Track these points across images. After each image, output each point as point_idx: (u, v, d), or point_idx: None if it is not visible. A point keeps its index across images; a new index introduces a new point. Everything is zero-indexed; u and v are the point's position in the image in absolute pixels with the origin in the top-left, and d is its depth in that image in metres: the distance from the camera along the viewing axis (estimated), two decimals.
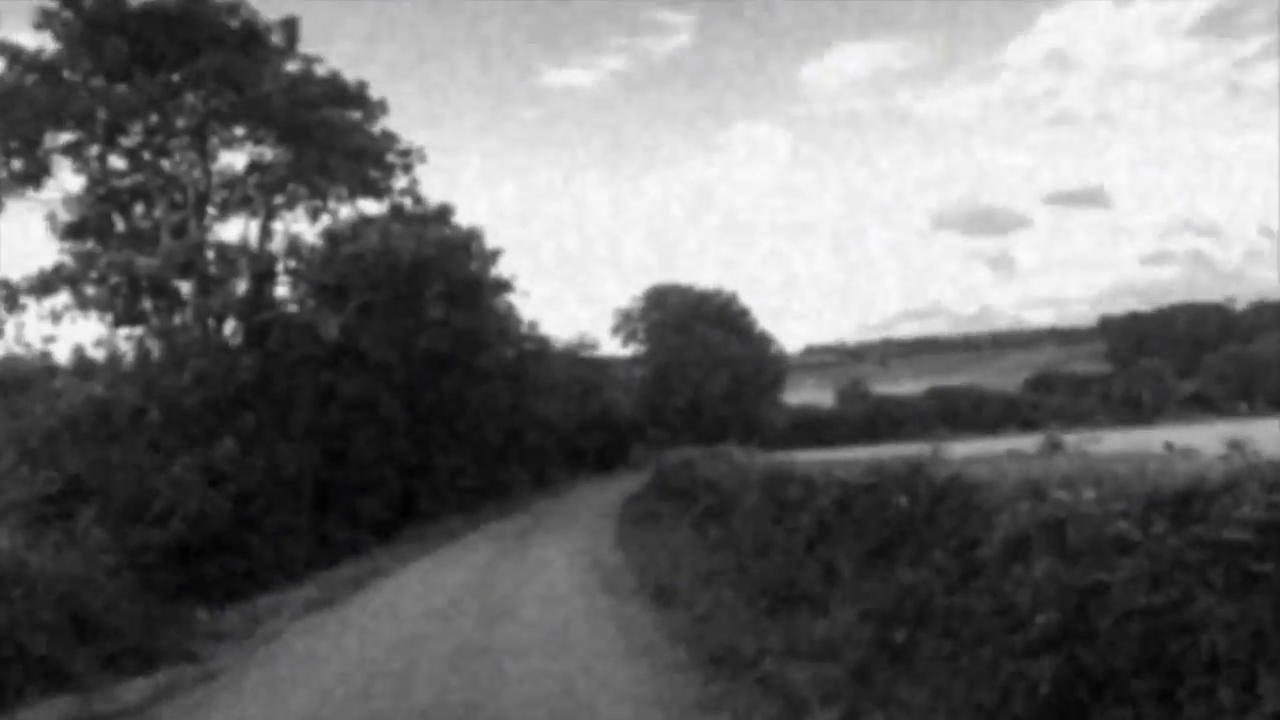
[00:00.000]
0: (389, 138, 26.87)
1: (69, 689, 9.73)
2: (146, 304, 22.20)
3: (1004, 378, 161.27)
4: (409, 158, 27.28)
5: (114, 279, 21.23)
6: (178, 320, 22.40)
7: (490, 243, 30.73)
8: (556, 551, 21.36)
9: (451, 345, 28.98)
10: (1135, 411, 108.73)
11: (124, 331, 22.57)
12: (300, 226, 25.28)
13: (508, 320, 39.01)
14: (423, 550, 23.54)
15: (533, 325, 46.06)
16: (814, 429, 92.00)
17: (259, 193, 25.04)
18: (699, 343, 67.75)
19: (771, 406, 79.26)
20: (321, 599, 15.41)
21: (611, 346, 73.40)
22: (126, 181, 25.46)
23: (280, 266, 24.95)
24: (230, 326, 23.72)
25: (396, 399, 29.27)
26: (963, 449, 13.97)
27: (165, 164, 24.92)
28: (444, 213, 26.95)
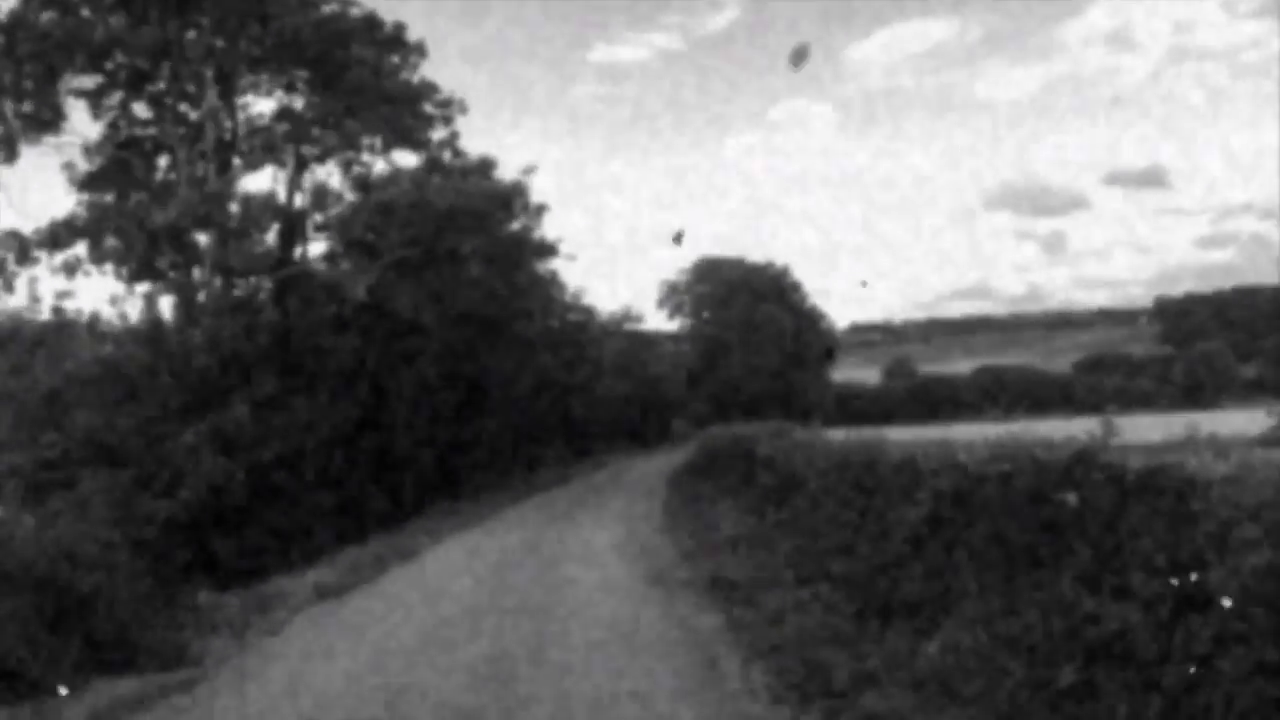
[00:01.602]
0: (428, 86, 24.97)
1: (9, 699, 8.06)
2: (164, 260, 20.59)
3: (1053, 359, 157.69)
4: (449, 108, 25.29)
5: (129, 231, 19.60)
6: (196, 276, 20.77)
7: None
8: (599, 534, 19.58)
9: (492, 309, 27.24)
10: (1195, 395, 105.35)
11: (140, 288, 21.04)
12: (332, 181, 23.48)
13: (552, 286, 37.20)
14: (456, 526, 21.90)
15: (577, 295, 44.32)
16: (860, 407, 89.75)
17: (287, 142, 23.28)
18: (748, 316, 65.41)
19: (818, 383, 76.87)
20: (336, 584, 13.68)
21: (657, 320, 71.52)
22: (151, 130, 23.86)
23: (309, 222, 23.23)
24: (251, 284, 22.07)
25: (433, 365, 27.65)
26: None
27: (190, 111, 23.24)
28: (485, 166, 24.89)
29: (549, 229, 31.97)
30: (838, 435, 16.46)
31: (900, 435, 13.69)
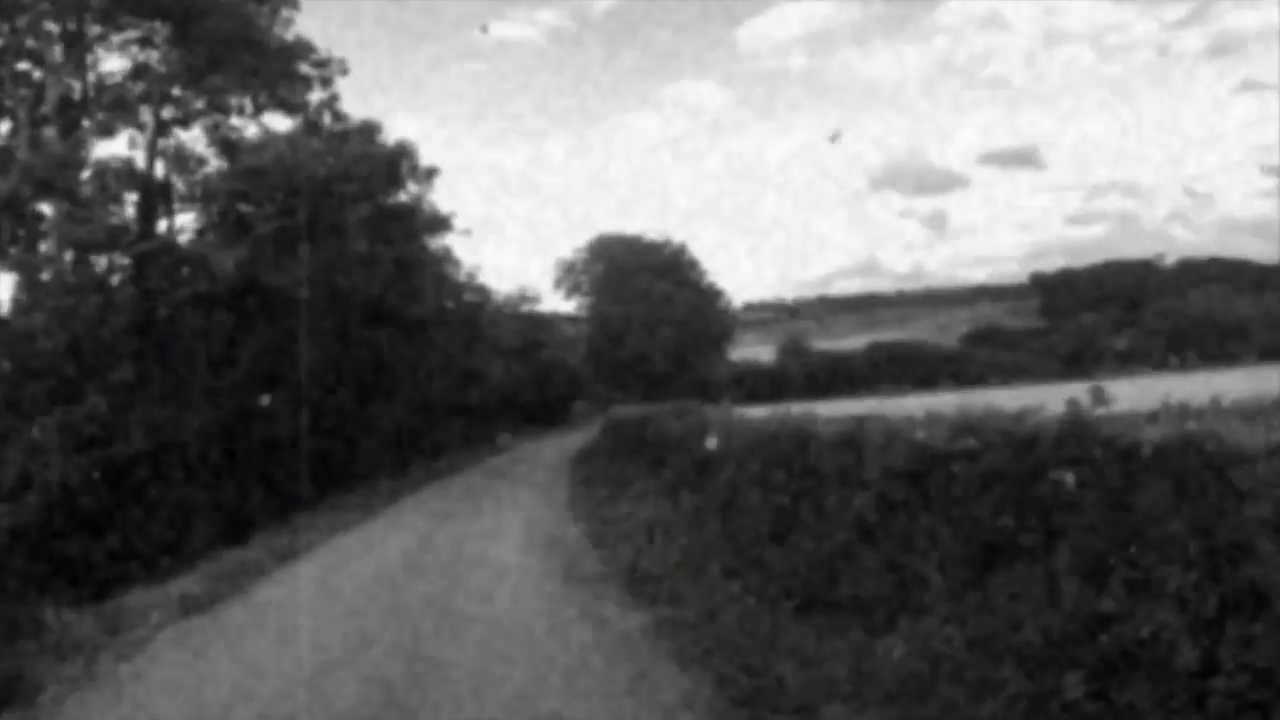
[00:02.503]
0: (303, 45, 22.83)
1: None
2: (3, 234, 18.16)
3: (940, 334, 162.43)
4: (328, 68, 23.16)
5: None
6: (43, 252, 18.44)
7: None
8: (504, 523, 18.33)
9: (380, 288, 25.41)
10: (1073, 366, 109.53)
11: None
12: (198, 147, 21.14)
13: (445, 264, 35.37)
14: (349, 521, 20.25)
15: (472, 274, 42.52)
16: (757, 385, 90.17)
17: (143, 102, 20.90)
18: (645, 295, 64.47)
19: (716, 362, 76.67)
20: (205, 595, 12.04)
21: (553, 301, 70.12)
22: None
23: (173, 191, 20.87)
24: (106, 261, 19.74)
25: (320, 348, 25.70)
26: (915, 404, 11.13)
27: (34, 70, 20.70)
28: (369, 131, 22.84)
29: (440, 203, 30.05)
30: (756, 413, 15.60)
31: (818, 411, 12.86)
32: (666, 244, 70.37)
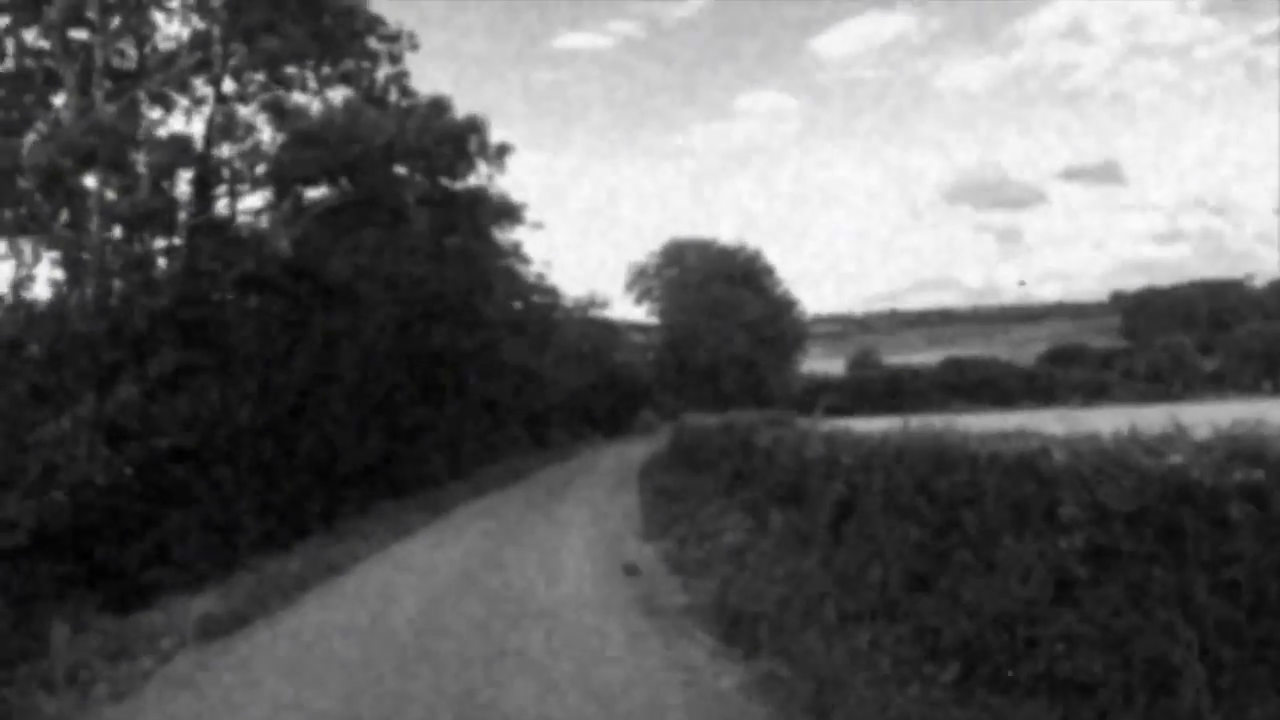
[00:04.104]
0: (372, 18, 21.35)
1: None
2: (45, 209, 16.90)
3: (1014, 350, 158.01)
4: (397, 44, 21.66)
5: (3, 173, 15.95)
6: (94, 230, 17.14)
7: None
8: (570, 540, 16.53)
9: (444, 281, 23.79)
10: (1158, 387, 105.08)
11: (26, 245, 17.34)
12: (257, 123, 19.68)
13: (514, 259, 33.75)
14: (402, 531, 18.71)
15: (542, 275, 40.87)
16: (827, 399, 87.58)
17: (199, 72, 19.60)
18: (718, 302, 62.27)
19: (785, 373, 74.15)
20: (229, 616, 10.41)
21: (624, 307, 68.67)
22: (47, 61, 20.12)
23: (229, 169, 19.44)
24: (158, 243, 18.42)
25: (380, 342, 24.24)
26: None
27: (89, 37, 19.53)
28: (439, 108, 21.07)
29: (511, 185, 28.35)
30: (859, 425, 13.57)
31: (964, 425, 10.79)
32: (741, 250, 68.07)
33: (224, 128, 18.63)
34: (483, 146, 20.87)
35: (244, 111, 19.51)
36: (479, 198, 23.89)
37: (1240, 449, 4.88)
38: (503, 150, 21.32)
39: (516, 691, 7.56)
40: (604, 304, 58.53)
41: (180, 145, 18.40)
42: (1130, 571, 5.54)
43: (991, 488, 7.37)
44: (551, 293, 44.50)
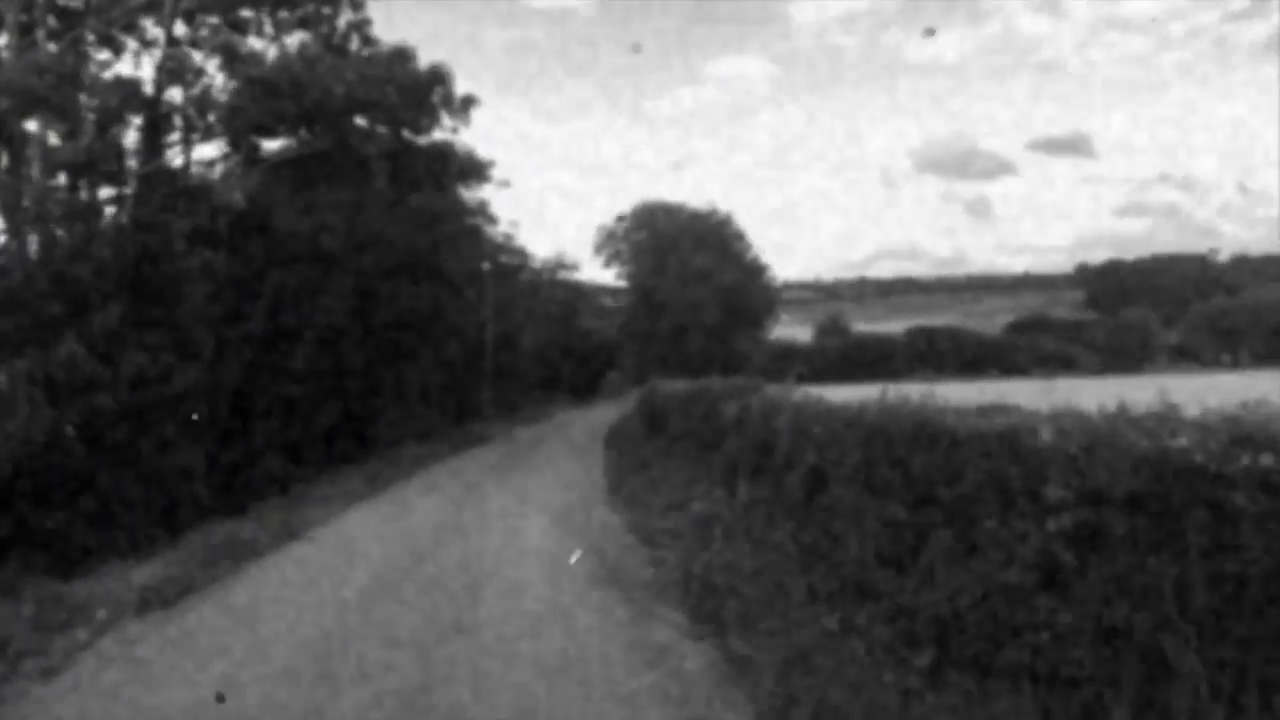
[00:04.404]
0: None
1: None
2: None
3: (980, 320, 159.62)
4: None
5: None
6: (35, 176, 16.27)
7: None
8: (533, 507, 16.15)
9: (408, 238, 23.07)
10: (1121, 360, 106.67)
11: None
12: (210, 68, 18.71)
13: (480, 218, 32.97)
14: (363, 494, 18.31)
15: (509, 235, 40.11)
16: (794, 365, 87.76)
17: (152, 12, 18.58)
18: (688, 265, 61.71)
19: (750, 339, 73.89)
20: (172, 585, 9.90)
21: (592, 270, 67.94)
22: None
23: (181, 117, 18.52)
24: (104, 191, 17.58)
25: (341, 300, 23.50)
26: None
27: None
28: (403, 57, 20.16)
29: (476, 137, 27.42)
30: (834, 394, 13.24)
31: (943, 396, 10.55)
32: (712, 213, 67.41)
33: (174, 71, 17.71)
34: (447, 99, 20.08)
35: (196, 57, 18.58)
36: (444, 153, 23.11)
37: (1246, 432, 4.56)
38: (468, 102, 20.56)
39: (470, 671, 7.18)
40: (573, 266, 57.95)
41: (128, 89, 17.49)
42: (1120, 559, 5.23)
43: (972, 466, 7.05)
44: (519, 253, 43.80)
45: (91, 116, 16.83)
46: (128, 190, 17.43)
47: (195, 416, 17.02)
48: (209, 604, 9.46)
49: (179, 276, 16.78)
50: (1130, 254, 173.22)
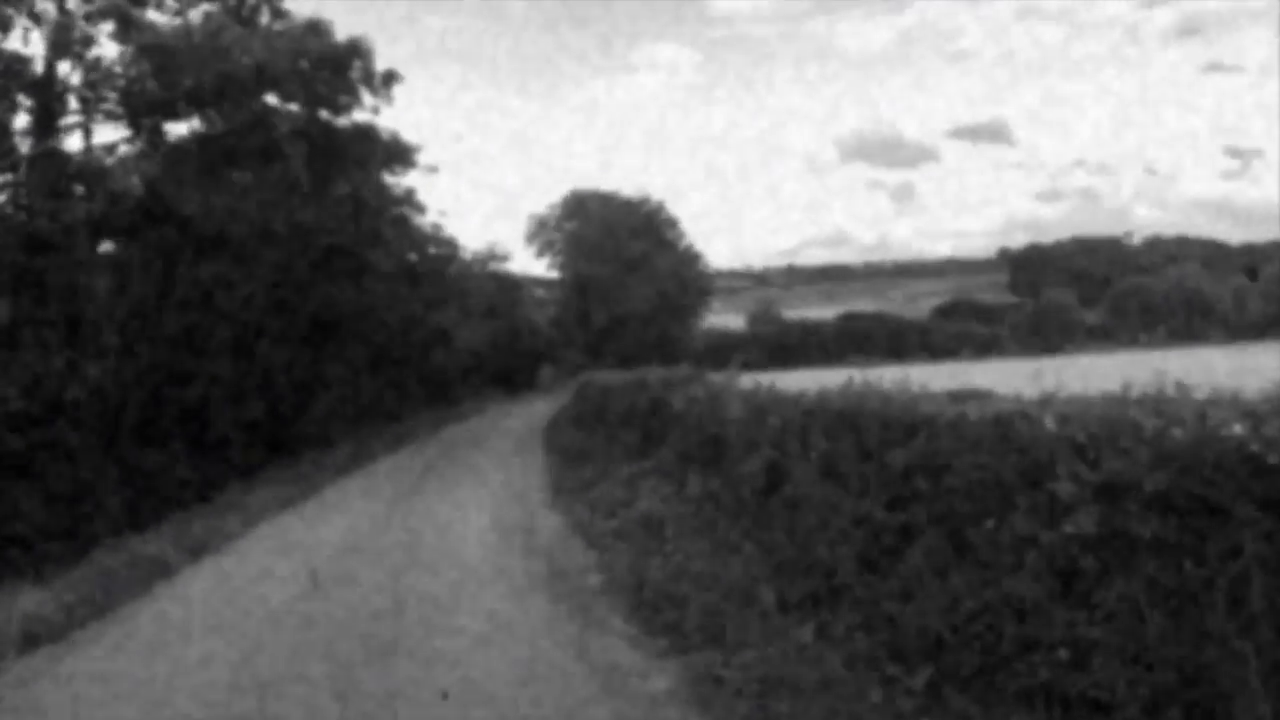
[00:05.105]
0: None
1: None
2: None
3: (907, 305, 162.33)
4: None
5: None
6: None
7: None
8: (471, 508, 15.26)
9: (329, 229, 21.81)
10: (1042, 341, 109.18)
11: None
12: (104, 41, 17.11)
13: (407, 207, 31.61)
14: (285, 501, 17.11)
15: (438, 225, 38.73)
16: (726, 353, 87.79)
17: None
18: (621, 254, 60.85)
19: (686, 327, 73.48)
20: (64, 615, 8.77)
21: (523, 261, 66.83)
22: None
23: (73, 94, 16.92)
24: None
25: (262, 295, 22.15)
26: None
27: None
28: (316, 29, 18.71)
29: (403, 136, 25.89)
30: (788, 380, 12.59)
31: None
32: (644, 202, 66.64)
33: (61, 41, 16.18)
34: (367, 74, 18.81)
35: (85, 25, 17.01)
36: (365, 134, 21.77)
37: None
38: (390, 78, 19.29)
39: (405, 701, 6.32)
40: (505, 257, 56.68)
41: (14, 65, 15.97)
42: (1149, 564, 4.60)
43: (959, 458, 6.40)
44: (449, 244, 42.45)
45: None
46: (17, 175, 15.95)
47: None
48: (105, 637, 8.35)
49: (79, 270, 15.40)
50: (1050, 238, 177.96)
